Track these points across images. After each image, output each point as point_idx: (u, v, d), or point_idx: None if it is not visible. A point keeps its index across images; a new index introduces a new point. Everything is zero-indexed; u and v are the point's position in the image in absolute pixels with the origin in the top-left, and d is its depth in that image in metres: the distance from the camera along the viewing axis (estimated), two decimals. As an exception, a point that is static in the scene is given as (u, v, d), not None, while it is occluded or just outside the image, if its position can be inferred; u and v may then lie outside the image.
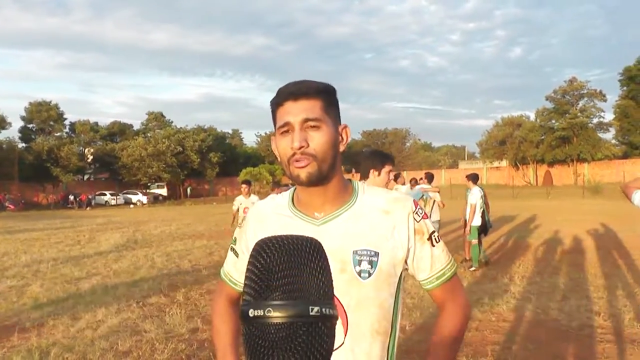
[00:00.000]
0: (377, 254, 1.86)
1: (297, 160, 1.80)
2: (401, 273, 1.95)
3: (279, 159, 1.92)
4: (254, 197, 14.11)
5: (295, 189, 2.04)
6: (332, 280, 1.02)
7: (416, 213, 1.97)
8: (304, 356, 0.92)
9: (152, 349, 7.39)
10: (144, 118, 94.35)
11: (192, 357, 7.13)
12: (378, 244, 1.87)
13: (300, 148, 1.78)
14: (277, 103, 1.87)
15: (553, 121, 76.90)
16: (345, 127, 1.96)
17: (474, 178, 13.45)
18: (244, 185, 14.53)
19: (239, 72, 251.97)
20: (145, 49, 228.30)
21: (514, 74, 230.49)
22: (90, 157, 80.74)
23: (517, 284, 10.87)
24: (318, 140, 1.81)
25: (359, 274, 1.84)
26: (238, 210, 14.09)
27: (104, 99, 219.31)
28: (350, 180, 2.03)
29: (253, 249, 1.00)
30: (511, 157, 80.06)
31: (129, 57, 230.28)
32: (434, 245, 1.97)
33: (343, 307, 1.82)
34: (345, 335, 1.83)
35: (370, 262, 1.85)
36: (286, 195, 2.06)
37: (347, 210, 1.92)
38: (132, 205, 66.76)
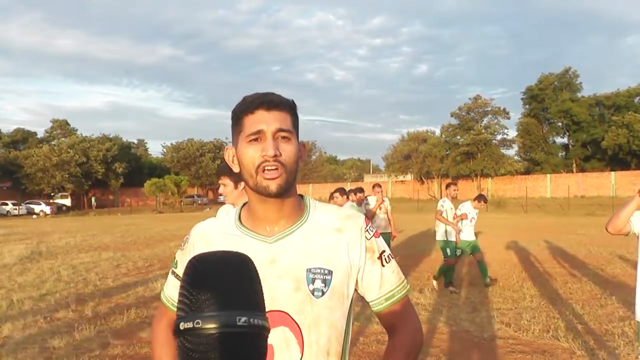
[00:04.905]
0: (330, 273, 1.83)
1: (269, 169, 1.77)
2: (352, 294, 1.92)
3: (236, 169, 1.89)
4: None
5: (243, 206, 2.01)
6: (262, 293, 1.03)
7: (367, 231, 1.95)
8: None
9: (63, 366, 7.20)
10: (49, 126, 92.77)
11: (104, 373, 6.99)
12: (332, 262, 1.85)
13: (274, 156, 1.75)
14: (245, 110, 1.82)
15: (458, 137, 78.83)
16: (304, 144, 1.95)
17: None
18: None
19: (146, 82, 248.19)
20: (50, 54, 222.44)
21: (419, 90, 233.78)
22: (-8, 166, 78.62)
23: (428, 296, 11.03)
24: (288, 151, 1.80)
25: (312, 292, 1.81)
26: None
27: (7, 104, 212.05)
28: (302, 196, 2.01)
29: (185, 267, 1.02)
30: (416, 171, 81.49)
31: (34, 62, 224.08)
32: (383, 265, 1.94)
33: (299, 326, 1.79)
34: (302, 356, 1.79)
35: (324, 281, 1.82)
36: (231, 214, 2.01)
37: (300, 227, 1.89)
38: (35, 216, 65.07)
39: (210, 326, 0.92)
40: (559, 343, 7.77)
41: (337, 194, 11.30)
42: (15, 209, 67.25)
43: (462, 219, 12.26)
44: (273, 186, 1.78)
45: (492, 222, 33.77)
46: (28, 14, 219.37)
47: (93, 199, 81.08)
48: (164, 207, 71.47)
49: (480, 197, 12.61)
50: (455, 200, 12.58)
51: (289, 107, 1.86)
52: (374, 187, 13.88)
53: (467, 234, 12.45)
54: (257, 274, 1.04)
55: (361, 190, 13.19)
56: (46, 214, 66.52)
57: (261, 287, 1.03)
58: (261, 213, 1.89)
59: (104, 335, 8.61)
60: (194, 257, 1.02)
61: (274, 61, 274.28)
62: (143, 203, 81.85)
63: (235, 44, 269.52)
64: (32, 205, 69.08)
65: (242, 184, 4.96)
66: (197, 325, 0.92)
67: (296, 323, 1.79)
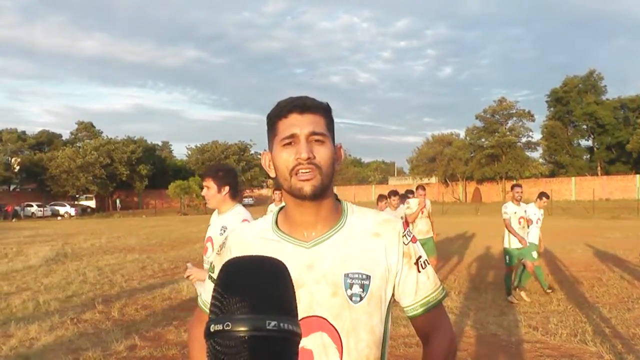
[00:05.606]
0: (368, 278, 1.81)
1: (303, 171, 1.77)
2: (390, 299, 1.90)
3: (272, 173, 1.88)
4: None
5: (280, 210, 2.00)
6: (294, 299, 1.02)
7: (405, 236, 1.93)
8: None
9: (90, 367, 7.23)
10: (73, 128, 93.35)
11: (131, 375, 7.01)
12: (369, 267, 1.83)
13: (307, 159, 1.75)
14: (279, 115, 1.83)
15: (482, 139, 78.46)
16: (340, 146, 1.94)
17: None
18: None
19: (171, 84, 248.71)
20: (75, 56, 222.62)
21: (443, 92, 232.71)
22: (17, 167, 79.07)
23: (455, 300, 10.98)
24: (323, 154, 1.79)
25: (350, 297, 1.79)
26: None
27: (32, 107, 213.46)
28: (339, 200, 2.00)
29: (219, 270, 1.01)
30: (441, 173, 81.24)
31: (59, 64, 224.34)
32: (419, 271, 1.92)
33: (337, 331, 1.78)
34: None
35: (362, 286, 1.80)
36: (268, 219, 2.00)
37: (337, 231, 1.88)
38: (59, 217, 65.49)
39: (240, 329, 0.92)
40: (587, 347, 7.71)
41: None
42: (40, 211, 67.69)
43: (528, 225, 11.82)
44: (307, 187, 1.77)
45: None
46: (53, 16, 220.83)
47: (118, 201, 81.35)
48: (188, 209, 71.58)
49: (542, 195, 12.14)
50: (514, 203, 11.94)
51: (322, 110, 1.85)
52: (417, 188, 13.33)
53: (533, 236, 11.89)
54: (291, 280, 1.03)
55: (395, 193, 12.68)
56: (71, 216, 66.95)
57: (294, 293, 1.02)
58: (298, 217, 1.88)
59: (130, 336, 8.64)
60: (228, 261, 1.02)
61: (298, 63, 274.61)
62: (167, 205, 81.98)
63: (260, 46, 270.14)
64: (56, 207, 69.47)
65: (226, 188, 4.93)
66: (227, 328, 0.92)
67: (334, 328, 1.78)
